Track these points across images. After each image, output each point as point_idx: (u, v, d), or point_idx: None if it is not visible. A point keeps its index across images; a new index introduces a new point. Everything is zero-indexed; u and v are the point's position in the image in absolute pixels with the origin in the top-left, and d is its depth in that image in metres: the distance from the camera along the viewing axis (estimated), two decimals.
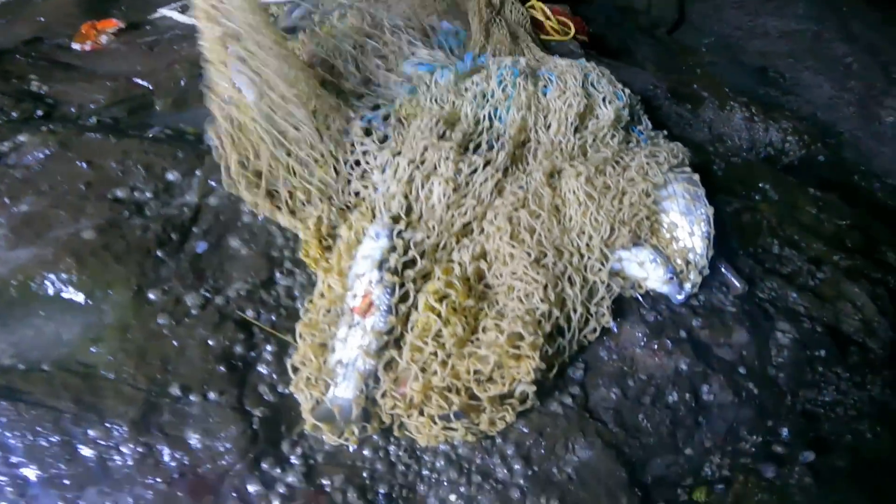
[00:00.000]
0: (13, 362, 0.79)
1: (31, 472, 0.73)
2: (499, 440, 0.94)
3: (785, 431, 1.26)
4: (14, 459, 0.73)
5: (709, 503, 1.16)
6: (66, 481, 0.73)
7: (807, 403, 1.29)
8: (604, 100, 1.39)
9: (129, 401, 0.77)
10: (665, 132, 1.49)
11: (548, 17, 2.02)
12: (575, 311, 1.01)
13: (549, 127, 1.26)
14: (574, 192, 1.14)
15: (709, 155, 1.79)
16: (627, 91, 1.47)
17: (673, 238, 1.20)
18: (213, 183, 1.05)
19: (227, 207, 1.03)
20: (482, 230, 1.06)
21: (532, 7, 2.02)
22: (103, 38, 1.53)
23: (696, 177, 1.31)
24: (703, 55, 2.54)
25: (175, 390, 0.81)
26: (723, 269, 1.30)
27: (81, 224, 0.92)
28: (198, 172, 1.07)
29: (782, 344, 1.29)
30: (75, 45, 1.48)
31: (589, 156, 1.24)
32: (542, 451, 0.94)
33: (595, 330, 1.04)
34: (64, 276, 0.86)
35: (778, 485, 1.19)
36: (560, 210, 1.13)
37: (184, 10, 1.67)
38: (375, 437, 0.89)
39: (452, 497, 0.87)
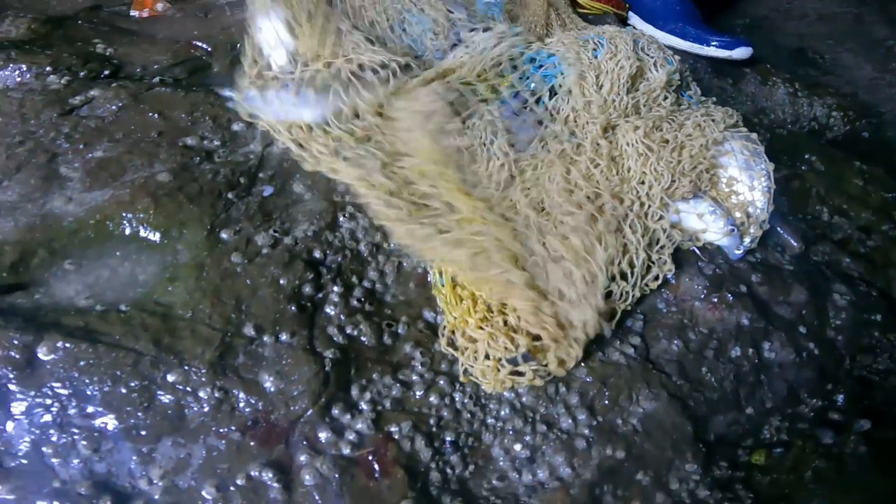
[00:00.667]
0: (90, 303, 0.82)
1: (108, 422, 0.74)
2: (563, 389, 0.95)
3: (841, 398, 1.25)
4: (91, 409, 0.73)
5: (767, 466, 1.16)
6: (143, 432, 0.74)
7: (863, 370, 1.28)
8: (654, 64, 1.38)
9: (207, 342, 0.80)
10: (714, 99, 1.48)
11: None
12: (637, 256, 1.02)
13: (601, 86, 1.26)
14: (632, 144, 1.14)
15: (753, 126, 1.77)
16: (677, 57, 1.46)
17: (732, 192, 1.20)
18: (274, 134, 1.07)
19: (289, 156, 1.05)
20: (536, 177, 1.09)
21: None
22: (159, 6, 1.59)
23: (755, 136, 1.31)
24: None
25: (249, 331, 0.83)
26: (778, 229, 1.29)
27: (155, 168, 0.96)
28: (260, 123, 1.09)
29: (840, 306, 1.28)
30: (133, 13, 1.56)
31: (643, 114, 1.24)
32: (606, 402, 0.95)
33: (657, 277, 1.05)
34: (141, 215, 0.89)
35: (835, 452, 1.18)
36: (617, 161, 1.13)
37: None
38: (441, 382, 0.90)
39: (517, 447, 0.89)
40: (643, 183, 1.12)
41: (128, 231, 0.88)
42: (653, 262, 1.07)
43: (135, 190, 0.91)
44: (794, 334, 1.19)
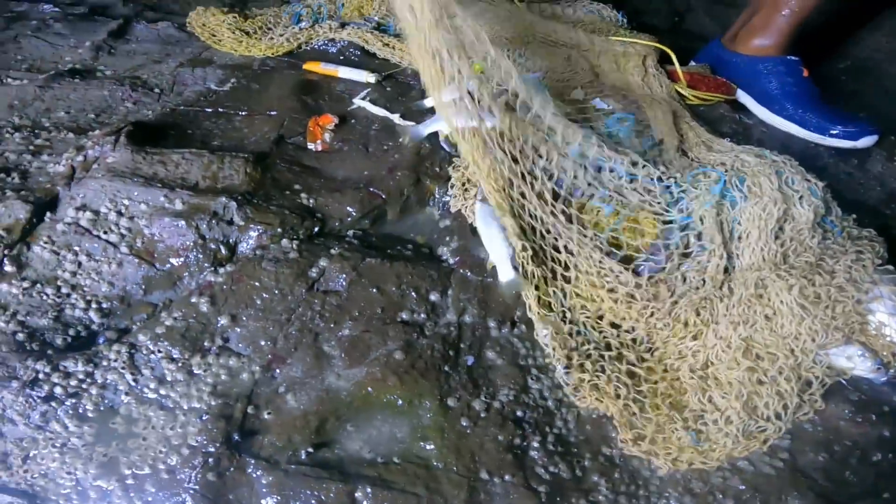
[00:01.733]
0: (373, 456, 1.23)
1: None
2: (720, 496, 1.28)
3: None
4: None
5: None
6: None
7: None
8: (800, 199, 1.52)
9: (458, 486, 1.20)
10: (854, 217, 1.60)
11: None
12: (791, 402, 1.32)
13: (748, 235, 1.46)
14: (787, 304, 1.36)
15: (886, 219, 1.89)
16: (821, 184, 1.57)
17: (881, 334, 1.41)
18: (463, 304, 1.47)
19: (480, 324, 1.45)
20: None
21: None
22: (327, 136, 1.95)
23: None
24: (844, 83, 2.60)
25: (484, 475, 1.23)
26: None
27: (389, 346, 1.37)
28: (450, 292, 1.50)
29: None
30: (310, 145, 1.87)
31: (791, 261, 1.43)
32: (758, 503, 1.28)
33: (808, 413, 1.35)
34: (392, 389, 1.31)
35: None
36: (770, 319, 1.36)
37: (373, 100, 2.06)
38: (622, 501, 1.31)
39: None
40: (797, 338, 1.36)
41: (385, 400, 1.30)
42: (804, 402, 1.36)
43: (382, 368, 1.33)
44: None
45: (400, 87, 2.16)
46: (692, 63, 2.40)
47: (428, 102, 2.03)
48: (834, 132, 2.06)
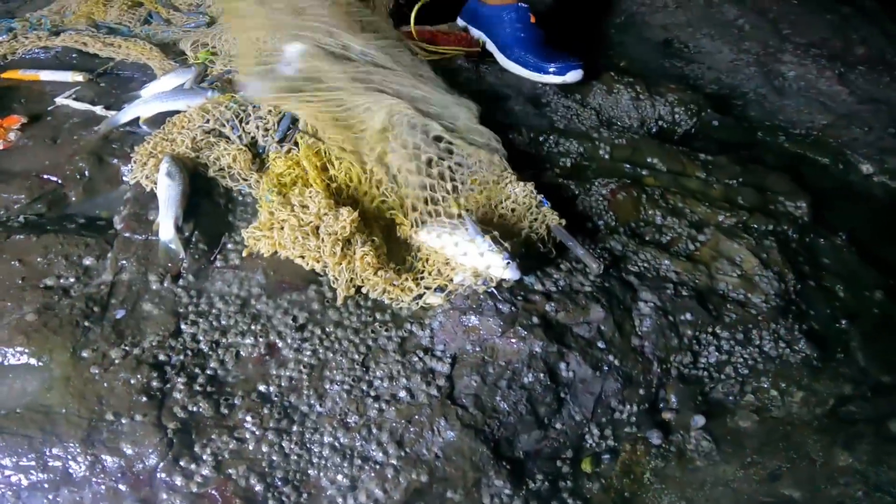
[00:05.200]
0: None
1: (22, 480, 1.36)
2: (375, 430, 1.47)
3: (673, 399, 1.75)
4: (8, 473, 1.35)
5: (599, 472, 1.63)
6: (46, 485, 1.35)
7: (682, 368, 1.76)
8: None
9: (77, 426, 1.39)
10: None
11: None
12: None
13: None
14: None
15: (593, 141, 2.34)
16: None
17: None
18: (122, 262, 1.66)
19: (138, 280, 1.63)
20: None
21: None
22: (11, 135, 2.23)
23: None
24: (613, 36, 3.22)
25: (109, 416, 1.39)
26: (579, 254, 1.81)
27: (24, 310, 1.53)
28: (109, 254, 1.68)
29: (644, 313, 1.77)
30: None
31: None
32: (412, 436, 1.48)
33: None
34: (19, 348, 1.48)
35: (673, 451, 1.67)
36: None
37: (81, 97, 2.41)
38: (270, 436, 1.44)
39: (339, 477, 1.42)
40: None
41: (12, 361, 1.48)
42: None
43: (11, 330, 1.50)
44: (591, 351, 1.68)
45: (118, 82, 2.45)
46: (458, 22, 2.87)
47: (144, 93, 2.36)
48: (550, 70, 2.56)
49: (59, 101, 2.36)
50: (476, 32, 2.79)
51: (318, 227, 1.68)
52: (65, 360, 1.47)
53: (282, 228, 1.68)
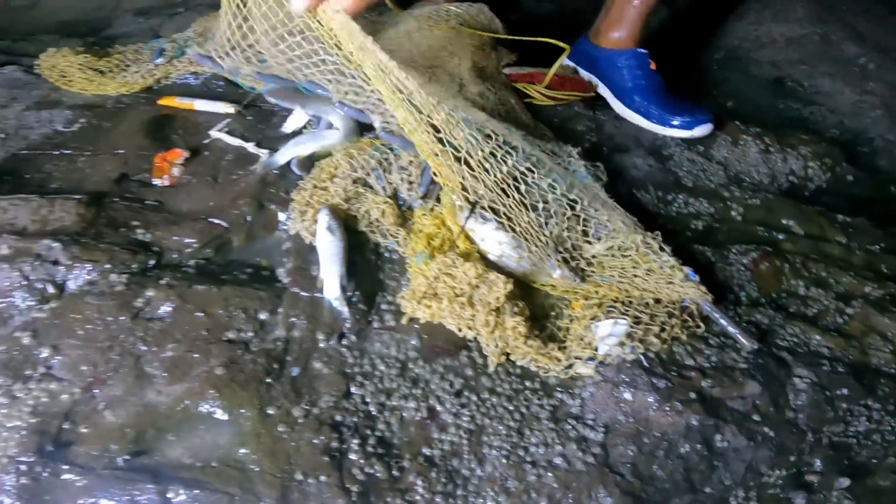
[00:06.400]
0: (191, 461, 1.53)
1: None
2: (535, 495, 1.61)
3: (818, 463, 1.85)
4: None
5: None
6: None
7: (833, 437, 1.86)
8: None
9: (271, 486, 1.51)
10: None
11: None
12: None
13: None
14: None
15: (724, 201, 2.36)
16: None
17: None
18: (293, 319, 1.82)
19: (307, 337, 1.78)
20: None
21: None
22: (175, 171, 2.31)
23: None
24: (715, 73, 3.14)
25: (299, 476, 1.52)
26: (731, 332, 1.92)
27: (211, 363, 1.69)
28: (280, 309, 1.84)
29: (799, 388, 1.87)
30: (155, 181, 2.20)
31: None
32: (571, 502, 1.61)
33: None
34: (211, 402, 1.63)
35: None
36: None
37: (232, 130, 2.52)
38: (438, 499, 1.68)
39: None
40: None
41: (204, 412, 1.64)
42: None
43: (202, 382, 1.66)
44: (747, 423, 1.79)
45: (262, 115, 2.60)
46: (567, 62, 2.88)
47: (287, 128, 2.51)
48: (674, 123, 2.59)
49: (214, 134, 2.48)
50: (587, 74, 2.84)
51: (471, 296, 1.81)
52: (253, 416, 1.62)
53: (439, 298, 1.81)
